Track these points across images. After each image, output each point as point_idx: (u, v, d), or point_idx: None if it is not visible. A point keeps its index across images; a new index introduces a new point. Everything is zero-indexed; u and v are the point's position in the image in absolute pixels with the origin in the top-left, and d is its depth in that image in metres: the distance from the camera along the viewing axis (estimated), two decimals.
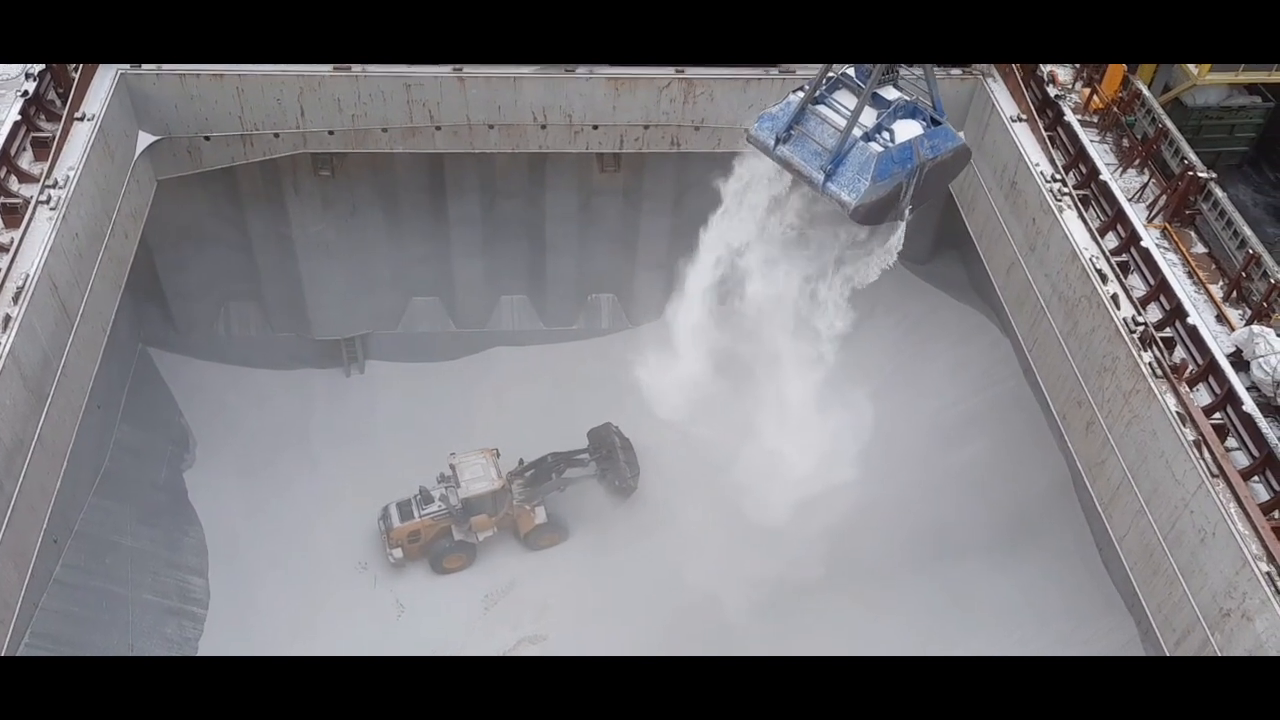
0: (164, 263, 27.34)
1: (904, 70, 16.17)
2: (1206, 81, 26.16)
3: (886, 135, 15.56)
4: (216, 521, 26.78)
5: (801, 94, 16.32)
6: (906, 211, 16.52)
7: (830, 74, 16.19)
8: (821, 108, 15.99)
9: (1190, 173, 20.66)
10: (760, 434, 25.07)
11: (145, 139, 22.10)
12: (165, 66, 21.87)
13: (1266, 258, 18.92)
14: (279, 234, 27.13)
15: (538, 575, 26.85)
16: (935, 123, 16.17)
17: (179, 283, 28.03)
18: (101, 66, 21.34)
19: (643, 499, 27.69)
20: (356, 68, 22.50)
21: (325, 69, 22.39)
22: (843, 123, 15.53)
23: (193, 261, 27.58)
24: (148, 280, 26.91)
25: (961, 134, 16.72)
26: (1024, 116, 22.72)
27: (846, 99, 15.88)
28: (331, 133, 22.99)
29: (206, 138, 22.55)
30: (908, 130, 15.70)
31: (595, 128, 23.50)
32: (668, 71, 22.75)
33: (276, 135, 22.81)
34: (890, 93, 15.91)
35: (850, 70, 16.21)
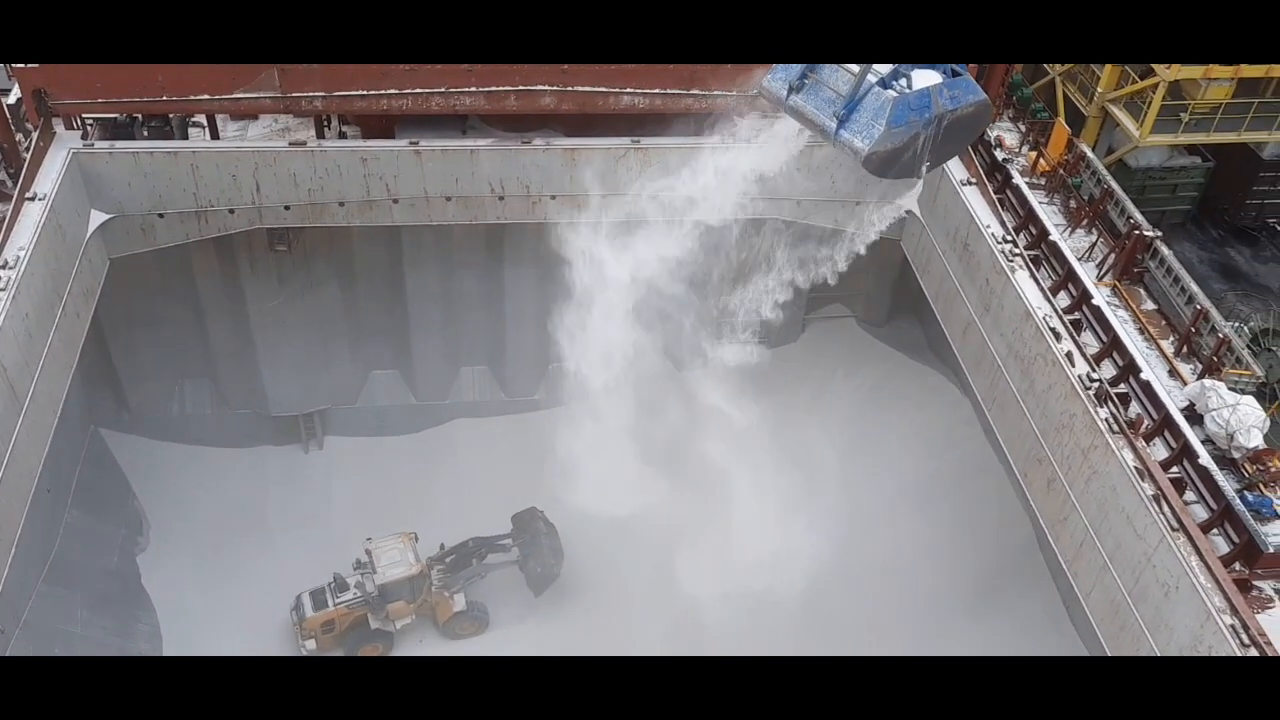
0: (116, 342, 26.94)
1: None
2: (1148, 143, 26.91)
3: (903, 82, 14.90)
4: (170, 607, 26.01)
5: None
6: (923, 168, 15.79)
7: None
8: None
9: (1136, 232, 21.12)
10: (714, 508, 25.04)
11: (98, 217, 21.91)
12: (118, 144, 21.81)
13: (1214, 313, 19.27)
14: (234, 310, 26.88)
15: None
16: (956, 75, 15.47)
17: (132, 362, 27.60)
18: (53, 146, 21.24)
19: (582, 584, 26.94)
20: (312, 143, 22.57)
21: (281, 145, 22.44)
22: (857, 69, 14.82)
23: (146, 340, 27.20)
24: (100, 360, 26.47)
25: (983, 93, 15.59)
26: (973, 180, 23.19)
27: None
28: (288, 208, 22.94)
29: (160, 215, 22.41)
30: (926, 79, 15.01)
31: (553, 198, 23.65)
32: (623, 141, 23.02)
33: (232, 211, 22.72)
34: None
35: None
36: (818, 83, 15.22)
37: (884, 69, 14.81)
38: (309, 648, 24.89)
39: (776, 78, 15.77)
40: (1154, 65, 25.85)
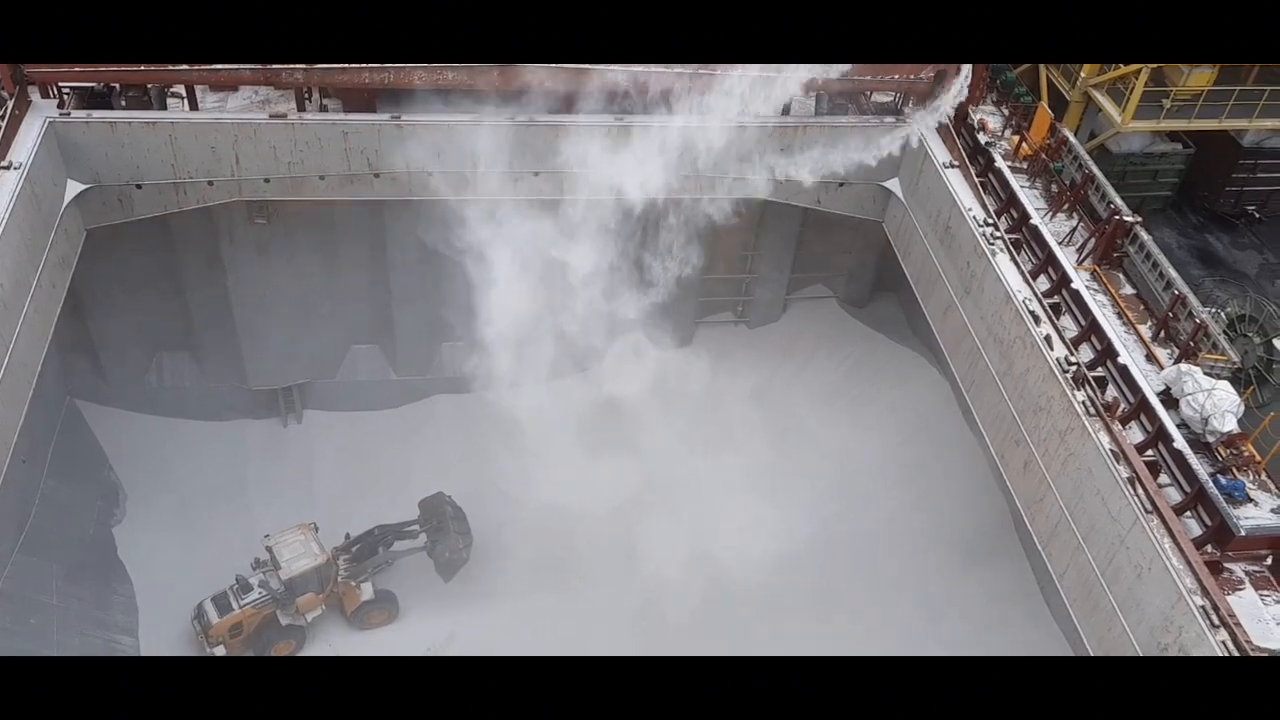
0: (94, 313, 26.71)
1: None
2: (1130, 129, 27.00)
3: None
4: (147, 578, 25.94)
5: None
6: None
7: None
8: None
9: (1117, 217, 21.23)
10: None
11: (74, 188, 21.66)
12: (95, 114, 21.52)
13: (1191, 299, 19.44)
14: (213, 282, 26.68)
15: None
16: None
17: (109, 333, 27.38)
18: (29, 114, 20.94)
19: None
20: (293, 116, 22.35)
21: (261, 117, 22.20)
22: None
23: (123, 311, 26.97)
24: (76, 331, 26.25)
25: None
26: (956, 163, 23.25)
27: None
28: (267, 180, 22.74)
29: (138, 186, 22.18)
30: None
31: (536, 174, 23.55)
32: (607, 119, 22.91)
33: (211, 183, 22.51)
34: None
35: None
36: None
37: None
38: (218, 654, 24.24)
39: None
40: None
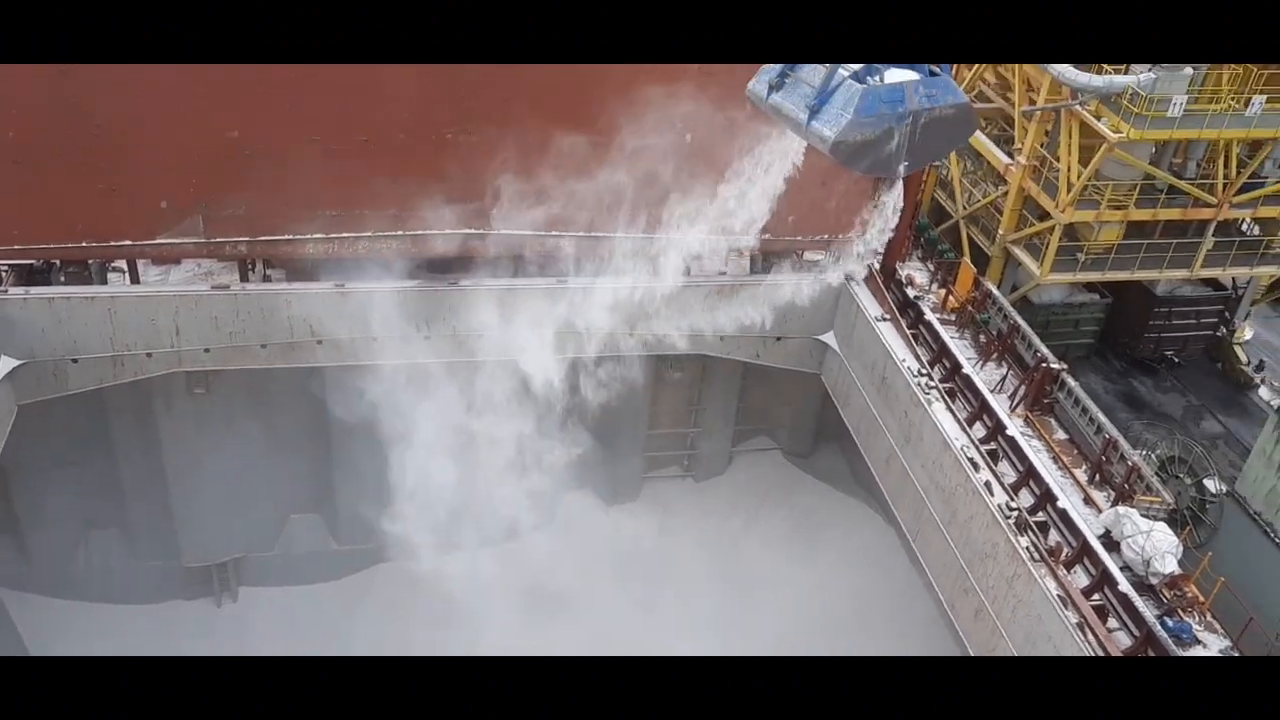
0: (20, 490, 25.87)
1: None
2: (1049, 281, 28.25)
3: (876, 78, 14.99)
4: None
5: None
6: (901, 167, 15.54)
7: None
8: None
9: (1044, 365, 21.98)
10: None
11: (7, 363, 21.37)
12: (34, 290, 21.46)
13: (1122, 442, 19.98)
14: (149, 454, 26.10)
15: None
16: (934, 75, 15.39)
17: (36, 511, 26.46)
18: None
19: None
20: (236, 286, 22.49)
21: (203, 288, 22.32)
22: (841, 74, 15.03)
23: (52, 488, 26.17)
24: (1, 510, 25.35)
25: (964, 96, 15.30)
26: (887, 316, 24.02)
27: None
28: (208, 350, 22.67)
29: (74, 360, 21.94)
30: (901, 75, 15.07)
31: (481, 336, 23.79)
32: (548, 281, 23.41)
33: (149, 355, 22.36)
34: None
35: None
36: (796, 80, 15.43)
37: (858, 65, 14.95)
38: None
39: (760, 79, 15.91)
40: (1046, 209, 27.44)
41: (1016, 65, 28.10)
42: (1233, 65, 26.30)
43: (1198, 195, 27.45)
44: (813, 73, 15.24)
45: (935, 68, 15.23)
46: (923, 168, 19.21)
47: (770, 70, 15.73)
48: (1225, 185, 27.37)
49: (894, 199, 22.08)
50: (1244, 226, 29.63)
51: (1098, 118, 25.99)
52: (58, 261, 22.35)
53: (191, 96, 20.09)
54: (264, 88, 20.35)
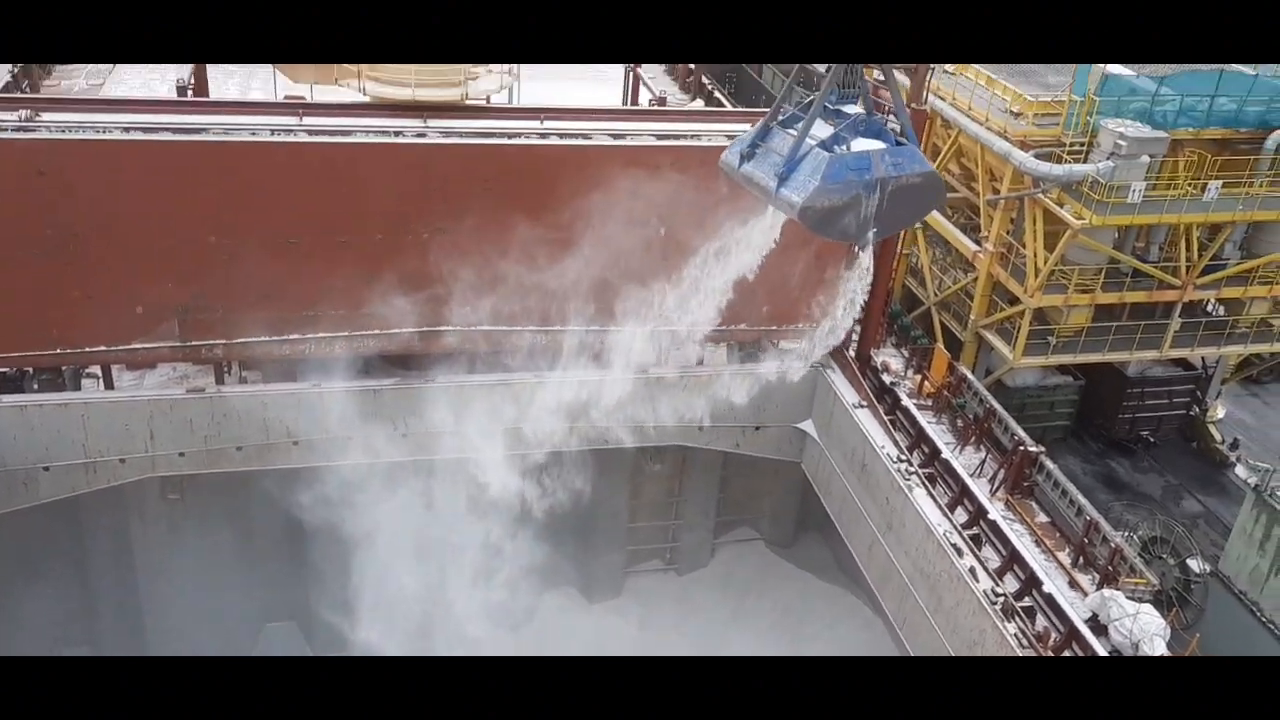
0: None
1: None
2: (1022, 365, 28.56)
3: (843, 147, 15.28)
4: None
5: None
6: (870, 234, 15.70)
7: (797, 96, 16.20)
8: (789, 130, 15.80)
9: (1022, 448, 22.09)
10: None
11: None
12: (5, 398, 21.27)
13: (1104, 524, 19.99)
14: (120, 563, 25.56)
15: None
16: (900, 144, 15.68)
17: (4, 627, 25.72)
18: None
19: None
20: (211, 389, 22.38)
21: (178, 392, 22.20)
22: (809, 142, 15.38)
23: (17, 602, 25.51)
24: None
25: (929, 165, 15.78)
26: (865, 403, 24.16)
27: (819, 128, 15.63)
28: (182, 454, 22.43)
29: (46, 468, 21.63)
30: (867, 145, 15.38)
31: (454, 434, 23.68)
32: (525, 376, 23.46)
33: (123, 460, 22.10)
34: (852, 109, 15.66)
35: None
36: (767, 150, 15.71)
37: (825, 133, 15.29)
38: None
39: (732, 150, 16.17)
40: (1016, 294, 27.91)
41: (979, 156, 28.87)
42: (1187, 153, 27.14)
43: (1162, 278, 28.02)
44: (782, 142, 15.59)
45: (902, 137, 15.59)
46: (893, 234, 19.69)
47: (742, 141, 16.07)
48: (1188, 268, 27.98)
49: (857, 283, 22.54)
50: (1209, 307, 30.21)
51: (1060, 205, 26.64)
52: (31, 369, 22.21)
53: (169, 200, 20.30)
54: (241, 190, 20.62)
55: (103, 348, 21.50)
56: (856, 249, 17.71)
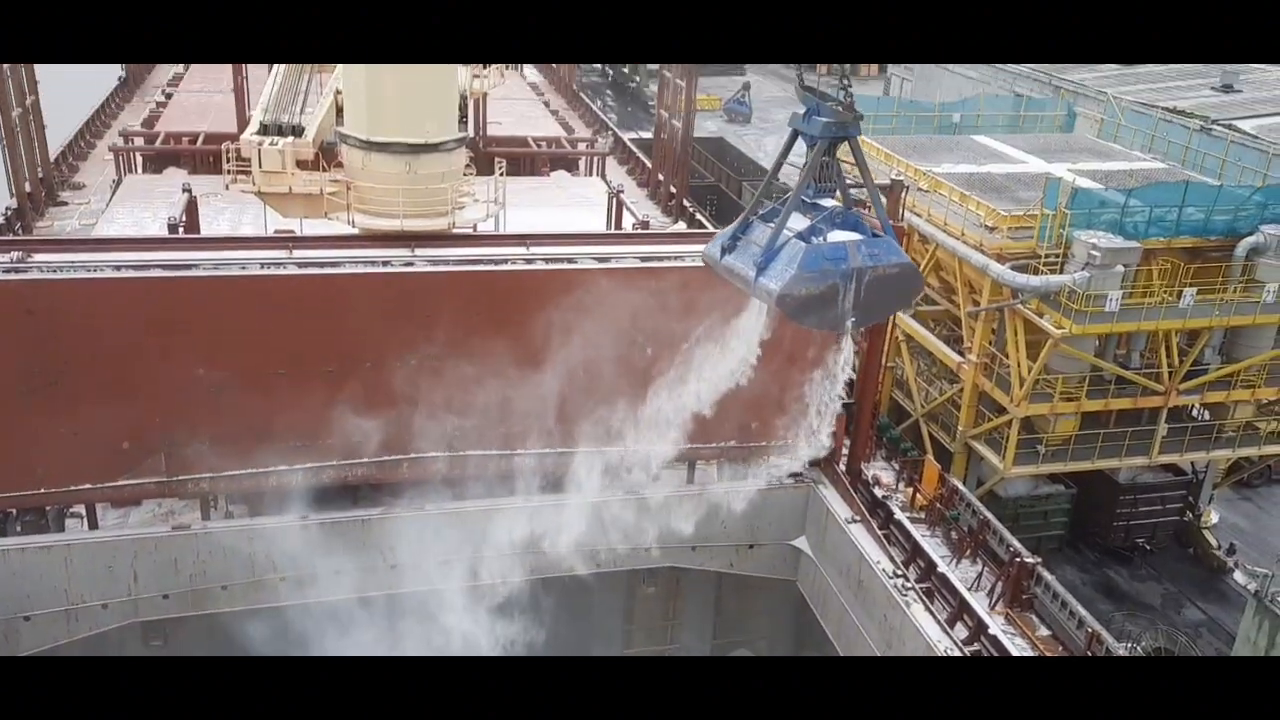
0: None
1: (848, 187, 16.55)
2: (1012, 474, 28.54)
3: (821, 238, 15.56)
4: None
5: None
6: (849, 323, 15.88)
7: (777, 192, 16.60)
8: (769, 223, 16.05)
9: (1018, 559, 21.86)
10: None
11: None
12: None
13: (1106, 636, 19.66)
14: None
15: None
16: (877, 236, 16.02)
17: None
18: None
19: None
20: (197, 525, 22.08)
21: (163, 530, 21.89)
22: (787, 233, 15.67)
23: None
24: None
25: (906, 256, 16.05)
26: (858, 518, 23.98)
27: (797, 221, 15.90)
28: (166, 596, 21.95)
29: (26, 618, 21.10)
30: (844, 236, 15.67)
31: (447, 562, 23.32)
32: (519, 500, 23.26)
33: (105, 606, 21.58)
34: (829, 202, 16.00)
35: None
36: (747, 242, 15.99)
37: (803, 225, 15.63)
38: None
39: (714, 243, 16.46)
40: (1002, 404, 28.09)
41: (957, 269, 29.44)
42: (1160, 261, 27.76)
43: (1145, 384, 28.29)
44: (762, 234, 15.97)
45: (879, 230, 16.02)
46: (872, 324, 20.18)
47: (724, 234, 16.50)
48: (1170, 374, 28.29)
49: (827, 390, 22.75)
50: (1194, 412, 30.43)
51: (1040, 315, 27.06)
52: (14, 510, 21.89)
53: (159, 336, 20.40)
54: (231, 323, 20.76)
55: (88, 486, 21.24)
56: (827, 360, 17.93)
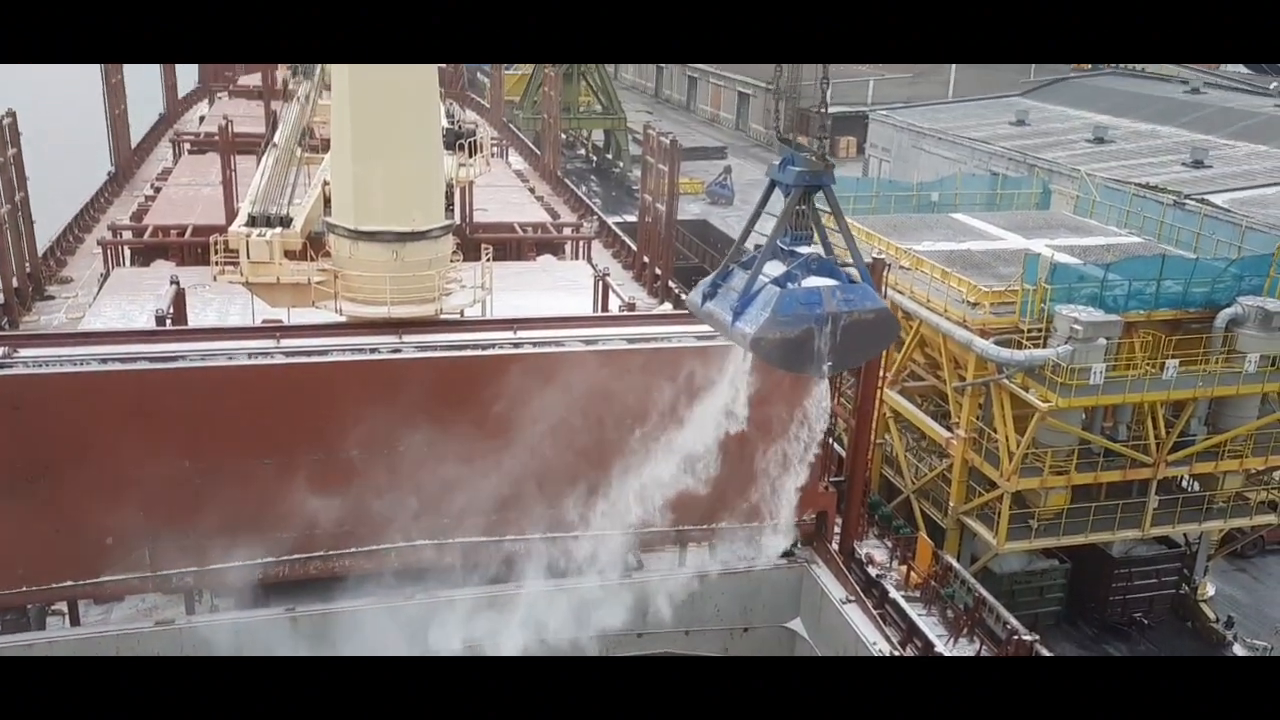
0: None
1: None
2: (1006, 550, 28.36)
3: (796, 284, 15.77)
4: None
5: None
6: (825, 368, 15.97)
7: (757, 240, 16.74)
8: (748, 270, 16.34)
9: (1016, 637, 21.62)
10: None
11: None
12: None
13: None
14: None
15: None
16: (853, 281, 16.20)
17: None
18: None
19: None
20: (181, 620, 21.69)
21: (146, 625, 21.50)
22: (761, 277, 15.89)
23: None
24: None
25: (882, 302, 16.31)
26: (852, 598, 23.73)
27: (773, 267, 16.16)
28: None
29: None
30: (820, 282, 15.86)
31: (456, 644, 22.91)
32: (507, 587, 22.95)
33: None
34: (806, 249, 16.19)
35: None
36: (727, 289, 16.27)
37: (778, 270, 15.88)
38: None
39: (696, 290, 16.82)
40: (993, 479, 28.06)
41: (941, 345, 29.67)
42: (1141, 334, 28.04)
43: (1134, 456, 28.33)
44: (740, 280, 16.28)
45: (855, 276, 16.23)
46: (849, 369, 20.52)
47: (705, 281, 16.84)
48: (1158, 445, 28.36)
49: (801, 473, 22.84)
50: (1184, 483, 30.43)
51: (1025, 389, 27.21)
52: None
53: (145, 428, 20.29)
54: (218, 414, 20.70)
55: (70, 582, 20.90)
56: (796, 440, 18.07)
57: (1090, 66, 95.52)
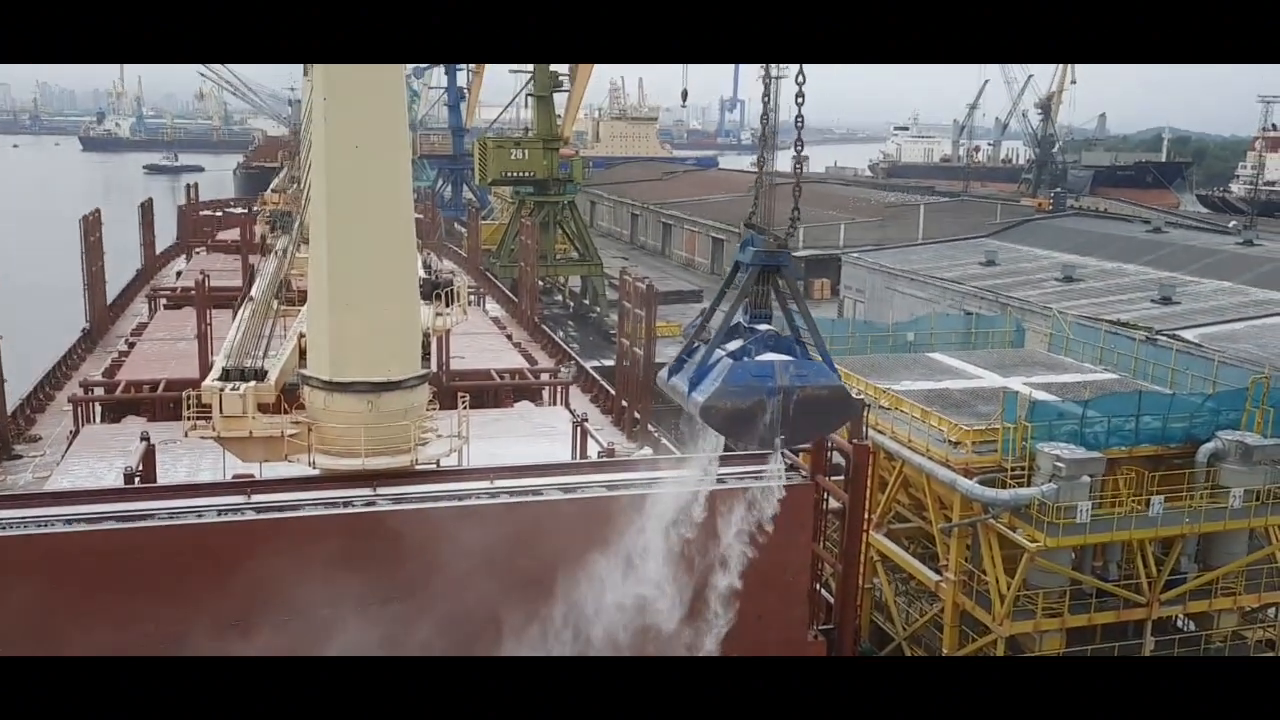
0: None
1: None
2: None
3: (749, 358, 16.41)
4: None
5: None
6: (778, 440, 16.49)
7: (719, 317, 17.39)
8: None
9: None
10: None
11: None
12: None
13: None
14: None
15: None
16: (809, 358, 16.87)
17: None
18: None
19: None
20: None
21: None
22: (720, 353, 16.56)
23: None
24: None
25: (838, 379, 17.09)
26: None
27: (735, 343, 16.91)
28: None
29: None
30: (775, 357, 16.44)
31: None
32: None
33: None
34: (764, 327, 16.82)
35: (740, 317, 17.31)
36: (691, 363, 17.02)
37: (734, 345, 16.68)
38: None
39: (666, 368, 17.61)
40: (987, 624, 27.32)
41: (925, 485, 29.34)
42: (1124, 470, 27.88)
43: (1126, 596, 27.77)
44: (701, 356, 17.10)
45: (814, 352, 16.90)
46: (804, 444, 21.38)
47: (672, 360, 17.66)
48: (1150, 584, 27.83)
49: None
50: (1179, 623, 29.76)
51: (1013, 529, 26.80)
52: None
53: (112, 591, 19.51)
54: (186, 573, 20.01)
55: None
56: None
57: (1052, 207, 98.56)
